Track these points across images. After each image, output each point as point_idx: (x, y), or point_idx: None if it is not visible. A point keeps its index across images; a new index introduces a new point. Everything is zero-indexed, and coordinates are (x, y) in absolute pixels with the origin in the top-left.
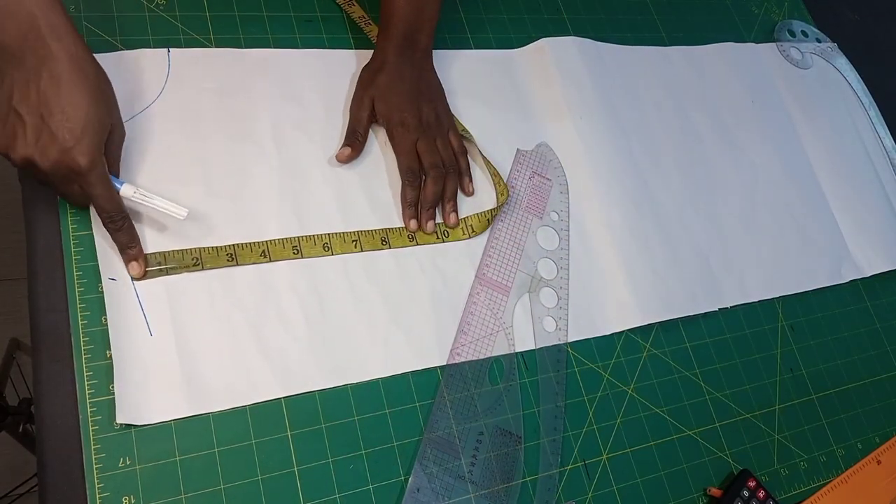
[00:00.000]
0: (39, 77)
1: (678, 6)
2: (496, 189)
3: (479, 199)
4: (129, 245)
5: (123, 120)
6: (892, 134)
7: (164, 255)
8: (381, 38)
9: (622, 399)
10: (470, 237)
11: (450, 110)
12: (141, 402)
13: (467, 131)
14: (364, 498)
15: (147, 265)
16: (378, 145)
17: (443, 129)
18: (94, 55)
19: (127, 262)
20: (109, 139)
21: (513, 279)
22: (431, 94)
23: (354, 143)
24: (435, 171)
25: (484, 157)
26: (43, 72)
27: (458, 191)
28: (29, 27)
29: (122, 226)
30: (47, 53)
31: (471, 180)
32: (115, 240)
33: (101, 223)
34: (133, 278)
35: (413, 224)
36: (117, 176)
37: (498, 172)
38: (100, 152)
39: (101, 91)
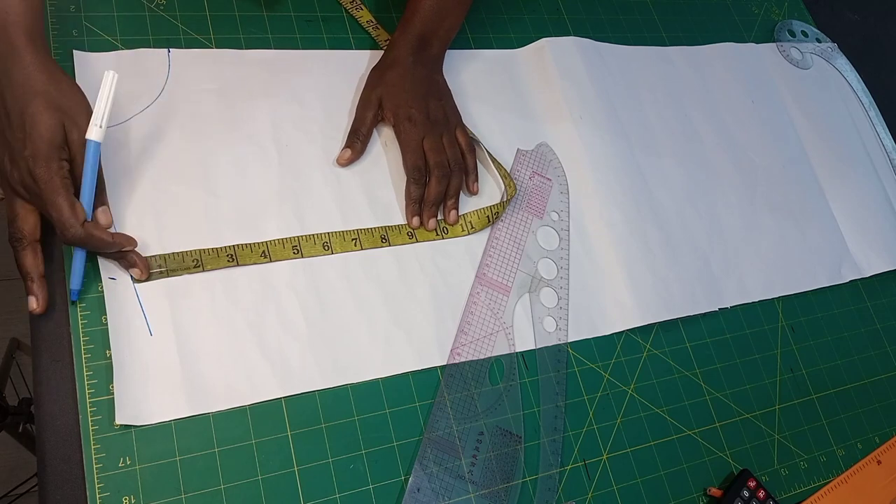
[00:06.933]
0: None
1: (678, 6)
2: (507, 189)
3: (480, 197)
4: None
5: (124, 120)
6: (892, 134)
7: (164, 257)
8: (397, 35)
9: (622, 399)
10: (469, 234)
11: (457, 109)
12: (141, 402)
13: (473, 135)
14: (364, 498)
15: (149, 269)
16: (379, 145)
17: (450, 126)
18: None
19: (129, 268)
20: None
21: (513, 279)
22: (440, 93)
23: (354, 145)
24: (439, 171)
25: (491, 156)
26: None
27: (462, 189)
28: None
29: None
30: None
31: (476, 179)
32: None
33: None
34: (136, 281)
35: (416, 221)
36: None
37: (507, 172)
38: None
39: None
